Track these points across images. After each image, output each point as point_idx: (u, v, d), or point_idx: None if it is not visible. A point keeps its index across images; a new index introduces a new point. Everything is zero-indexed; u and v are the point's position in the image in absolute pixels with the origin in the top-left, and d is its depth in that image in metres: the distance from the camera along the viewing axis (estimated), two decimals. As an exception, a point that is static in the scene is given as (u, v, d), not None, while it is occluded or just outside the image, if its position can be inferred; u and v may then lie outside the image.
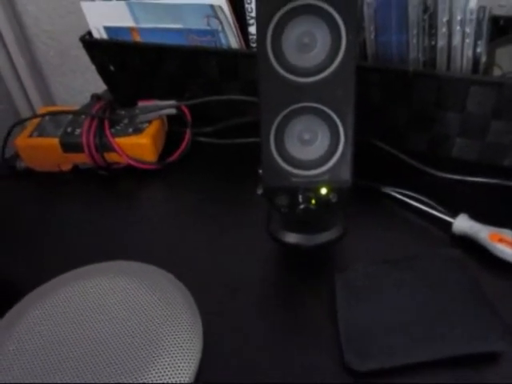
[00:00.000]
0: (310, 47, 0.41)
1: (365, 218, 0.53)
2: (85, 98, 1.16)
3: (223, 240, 0.52)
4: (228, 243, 0.52)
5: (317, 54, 0.41)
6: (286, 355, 0.41)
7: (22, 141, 0.61)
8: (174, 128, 0.66)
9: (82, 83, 1.09)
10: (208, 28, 0.61)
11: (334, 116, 0.42)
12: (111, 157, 0.61)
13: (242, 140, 0.64)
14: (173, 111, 0.62)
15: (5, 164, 0.66)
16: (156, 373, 0.37)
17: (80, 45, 0.71)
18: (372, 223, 0.52)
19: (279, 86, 0.41)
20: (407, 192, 0.54)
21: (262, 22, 0.40)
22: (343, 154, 0.43)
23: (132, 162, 0.60)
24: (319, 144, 0.43)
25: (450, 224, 0.49)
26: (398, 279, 0.43)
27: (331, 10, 0.39)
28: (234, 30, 0.60)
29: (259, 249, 0.51)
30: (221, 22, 0.59)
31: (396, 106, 0.57)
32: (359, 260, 0.47)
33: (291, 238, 0.48)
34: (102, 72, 0.74)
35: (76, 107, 0.66)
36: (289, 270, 0.49)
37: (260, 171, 0.57)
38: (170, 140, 0.65)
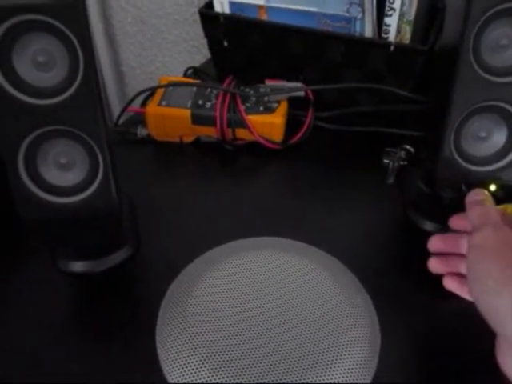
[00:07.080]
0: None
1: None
2: (156, 69, 1.16)
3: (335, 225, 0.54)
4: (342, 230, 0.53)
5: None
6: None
7: (153, 109, 0.61)
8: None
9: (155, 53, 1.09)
10: (346, 14, 0.61)
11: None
12: (238, 133, 0.61)
13: (360, 128, 0.65)
14: (302, 94, 0.63)
15: (116, 130, 0.66)
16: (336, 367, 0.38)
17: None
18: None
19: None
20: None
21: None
22: (520, 153, 0.44)
23: (261, 140, 0.61)
24: (495, 141, 0.45)
25: None
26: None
27: None
28: (375, 19, 0.60)
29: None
30: (363, 10, 0.60)
31: None
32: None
33: (429, 226, 0.51)
34: (213, 46, 0.74)
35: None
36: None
37: (386, 161, 0.59)
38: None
